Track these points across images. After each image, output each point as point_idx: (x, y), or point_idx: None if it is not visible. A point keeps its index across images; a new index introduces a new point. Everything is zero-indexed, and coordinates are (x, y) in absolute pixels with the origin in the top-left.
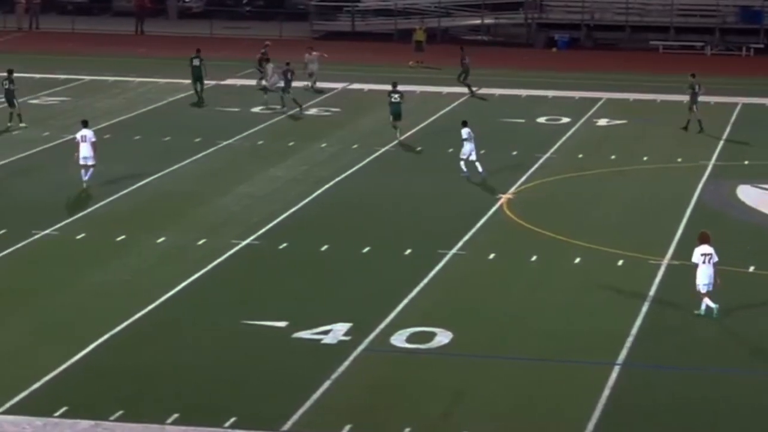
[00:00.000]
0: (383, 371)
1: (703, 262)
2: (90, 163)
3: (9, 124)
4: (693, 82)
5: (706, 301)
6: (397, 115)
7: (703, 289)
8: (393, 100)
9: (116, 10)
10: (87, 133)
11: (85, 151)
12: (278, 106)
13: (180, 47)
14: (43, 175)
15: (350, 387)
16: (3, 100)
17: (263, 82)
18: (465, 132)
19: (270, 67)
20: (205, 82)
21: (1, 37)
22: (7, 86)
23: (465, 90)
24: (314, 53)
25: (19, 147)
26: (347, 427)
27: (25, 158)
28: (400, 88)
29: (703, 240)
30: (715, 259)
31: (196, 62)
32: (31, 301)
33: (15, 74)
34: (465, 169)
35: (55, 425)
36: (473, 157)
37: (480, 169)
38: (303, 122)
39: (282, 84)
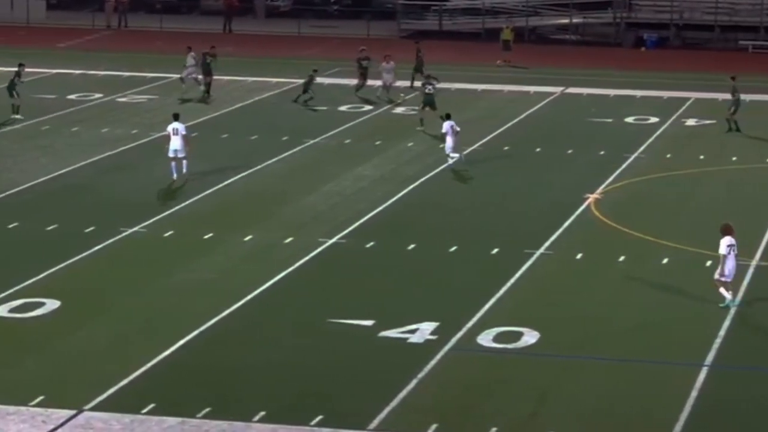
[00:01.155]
0: (470, 371)
1: (729, 253)
2: (180, 155)
3: (13, 116)
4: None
5: (722, 291)
6: (431, 105)
7: (729, 279)
8: (427, 90)
9: (204, 8)
10: (178, 126)
11: (176, 144)
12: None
13: (267, 46)
14: (131, 173)
15: (436, 386)
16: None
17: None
18: (446, 125)
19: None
20: (269, 79)
21: (90, 35)
22: (16, 81)
23: (547, 89)
24: (392, 62)
25: (108, 145)
26: (433, 427)
27: (113, 156)
28: (435, 82)
29: (727, 232)
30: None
31: (208, 59)
32: (119, 298)
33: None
34: (450, 162)
35: (141, 422)
36: (450, 147)
37: (461, 157)
38: (389, 121)
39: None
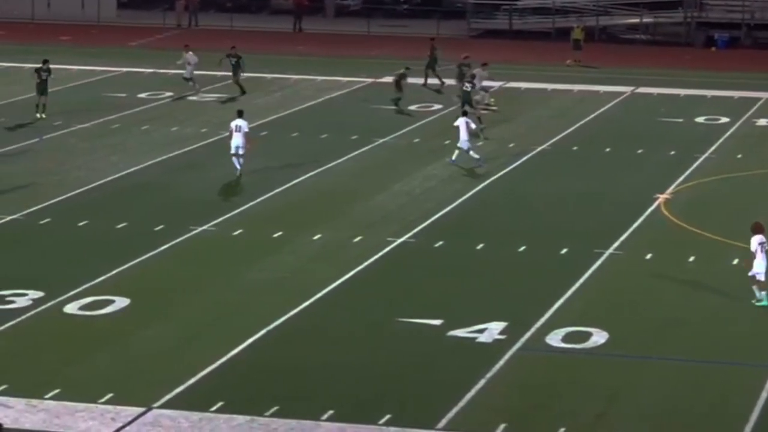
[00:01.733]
0: (538, 371)
1: (760, 252)
2: (241, 152)
3: (38, 116)
4: None
5: (756, 288)
6: (469, 103)
7: (762, 277)
8: (465, 88)
9: (274, 7)
10: (241, 123)
11: (238, 141)
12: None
13: (337, 45)
14: (200, 172)
15: (505, 386)
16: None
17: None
18: (461, 121)
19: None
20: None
21: (160, 34)
22: (44, 77)
23: (617, 88)
24: (487, 70)
25: (178, 144)
26: (501, 427)
27: (183, 155)
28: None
29: (758, 230)
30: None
31: (233, 60)
32: (188, 296)
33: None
34: (454, 158)
35: (210, 420)
36: (465, 146)
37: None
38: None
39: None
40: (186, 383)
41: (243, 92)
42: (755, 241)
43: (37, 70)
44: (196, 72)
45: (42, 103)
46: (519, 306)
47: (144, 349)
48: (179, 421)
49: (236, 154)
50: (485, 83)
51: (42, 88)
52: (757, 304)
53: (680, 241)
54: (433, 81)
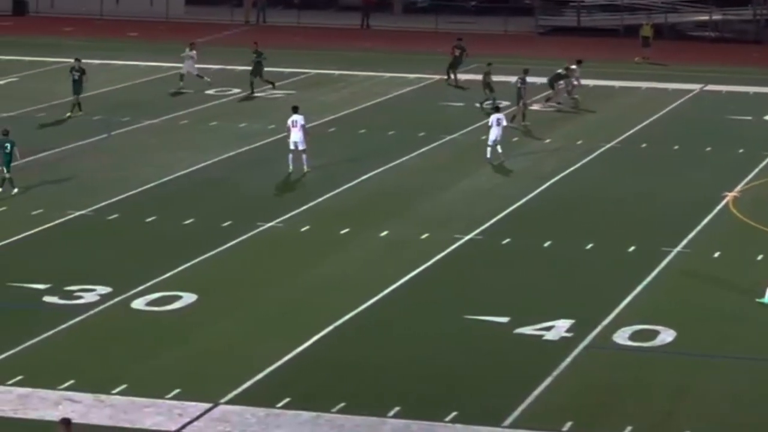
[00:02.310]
0: (605, 369)
1: None
2: (300, 147)
3: (69, 114)
4: None
5: None
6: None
7: None
8: (519, 86)
9: (342, 4)
10: (297, 118)
11: (296, 136)
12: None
13: (405, 42)
14: (268, 168)
15: (572, 384)
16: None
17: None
18: (493, 119)
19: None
20: (406, 75)
21: (228, 31)
22: (76, 76)
23: (685, 86)
24: (576, 72)
25: (246, 140)
26: (568, 424)
27: (251, 151)
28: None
29: None
30: None
31: (255, 57)
32: (255, 292)
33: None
34: (489, 156)
35: (276, 416)
36: (492, 139)
37: (499, 150)
38: (527, 118)
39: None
40: (253, 379)
41: (252, 92)
42: None
43: (70, 70)
44: (197, 65)
45: (75, 102)
46: (586, 304)
47: (211, 345)
48: (246, 416)
49: (295, 150)
50: (574, 81)
51: (76, 88)
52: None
53: (748, 239)
54: (453, 78)
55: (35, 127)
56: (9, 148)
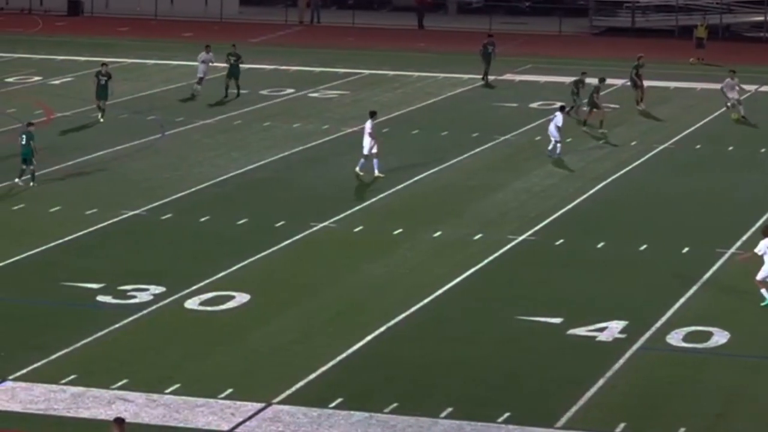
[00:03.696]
0: (659, 370)
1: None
2: (366, 152)
3: (101, 120)
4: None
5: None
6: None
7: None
8: (593, 92)
9: (396, 5)
10: (367, 123)
11: (364, 141)
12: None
13: (459, 42)
14: (322, 168)
15: (625, 385)
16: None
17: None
18: (561, 118)
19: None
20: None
21: (282, 31)
22: (103, 81)
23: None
24: (735, 79)
25: (299, 140)
26: (621, 426)
27: (304, 151)
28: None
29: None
30: None
31: (232, 60)
32: (309, 292)
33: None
34: (550, 148)
35: (329, 416)
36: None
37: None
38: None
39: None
40: (305, 379)
41: (238, 95)
42: (763, 244)
43: (96, 74)
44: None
45: (102, 108)
46: (639, 305)
47: (264, 345)
48: (298, 416)
49: (368, 155)
50: (730, 93)
51: (102, 93)
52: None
53: None
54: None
55: (89, 126)
56: (25, 139)
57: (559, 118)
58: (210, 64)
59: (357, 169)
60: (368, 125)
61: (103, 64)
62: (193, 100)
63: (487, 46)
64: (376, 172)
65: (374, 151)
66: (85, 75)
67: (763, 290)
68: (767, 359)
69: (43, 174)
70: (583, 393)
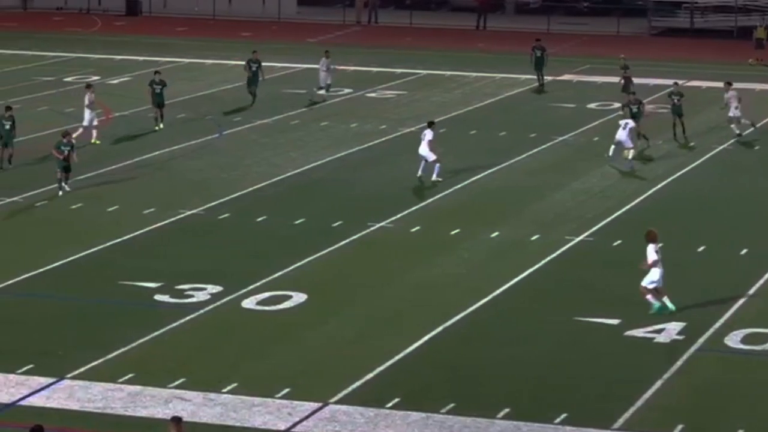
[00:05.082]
0: (716, 371)
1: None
2: (427, 159)
3: (156, 127)
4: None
5: (665, 300)
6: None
7: (660, 285)
8: (675, 101)
9: (454, 5)
10: (426, 131)
11: (421, 149)
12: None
13: (516, 43)
14: (379, 168)
15: (682, 387)
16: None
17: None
18: (623, 122)
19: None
20: (518, 76)
21: (340, 31)
22: (158, 90)
23: None
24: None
25: (356, 140)
26: (679, 428)
27: (362, 151)
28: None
29: (654, 239)
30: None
31: (254, 67)
32: (366, 292)
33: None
34: (611, 153)
35: (386, 416)
36: (627, 144)
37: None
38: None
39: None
40: (362, 379)
41: (253, 102)
42: (652, 249)
43: (151, 83)
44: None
45: (158, 116)
46: (698, 306)
47: (321, 345)
48: (355, 417)
49: (426, 159)
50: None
51: (159, 101)
52: (651, 312)
53: None
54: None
55: (147, 126)
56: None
57: (631, 123)
58: (332, 67)
59: (418, 173)
60: (428, 134)
61: (157, 71)
62: (252, 103)
63: (535, 50)
64: (435, 176)
65: (429, 159)
66: (143, 75)
67: (665, 298)
68: None
69: (100, 174)
70: (640, 394)
